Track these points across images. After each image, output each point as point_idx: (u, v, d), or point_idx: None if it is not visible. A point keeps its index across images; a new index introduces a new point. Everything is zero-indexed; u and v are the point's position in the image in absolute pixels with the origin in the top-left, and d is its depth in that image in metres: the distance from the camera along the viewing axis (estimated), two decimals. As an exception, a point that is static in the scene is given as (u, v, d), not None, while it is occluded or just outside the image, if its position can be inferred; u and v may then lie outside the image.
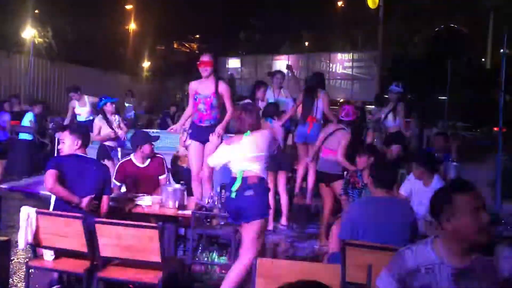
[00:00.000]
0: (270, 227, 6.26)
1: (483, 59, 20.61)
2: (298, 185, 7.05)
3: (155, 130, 11.06)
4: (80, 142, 4.17)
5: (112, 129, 7.21)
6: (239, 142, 3.91)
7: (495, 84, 7.07)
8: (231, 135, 4.47)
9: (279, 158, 6.24)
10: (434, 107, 14.73)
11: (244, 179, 3.82)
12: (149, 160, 5.20)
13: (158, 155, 5.29)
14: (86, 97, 8.79)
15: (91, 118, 8.29)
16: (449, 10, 17.59)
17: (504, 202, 6.92)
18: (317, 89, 6.84)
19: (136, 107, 14.16)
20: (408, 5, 17.66)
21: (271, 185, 6.33)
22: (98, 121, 7.24)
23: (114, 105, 7.33)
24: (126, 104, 13.65)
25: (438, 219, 2.30)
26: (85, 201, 3.95)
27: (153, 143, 5.24)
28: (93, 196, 4.00)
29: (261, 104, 7.10)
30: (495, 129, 9.41)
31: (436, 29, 16.11)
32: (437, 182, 4.73)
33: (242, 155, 3.85)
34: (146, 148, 5.14)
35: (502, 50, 7.17)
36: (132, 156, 5.25)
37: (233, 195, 3.84)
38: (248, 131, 3.91)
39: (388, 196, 3.64)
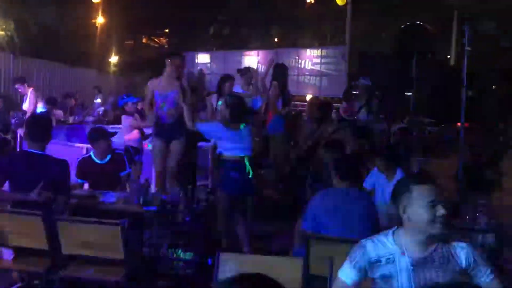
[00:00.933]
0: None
1: (448, 56, 21.08)
2: None
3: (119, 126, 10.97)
4: (29, 137, 4.06)
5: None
6: (236, 131, 4.74)
7: (458, 81, 7.24)
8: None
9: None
10: (401, 103, 14.96)
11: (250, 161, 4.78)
12: (109, 156, 5.14)
13: (119, 151, 5.26)
14: (29, 91, 8.61)
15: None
16: (416, 8, 17.90)
17: (466, 193, 7.10)
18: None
19: (103, 103, 13.93)
20: (375, 2, 17.89)
21: None
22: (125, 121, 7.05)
23: (135, 106, 7.16)
24: (95, 101, 13.41)
25: (397, 208, 2.38)
26: (35, 192, 3.81)
27: (110, 139, 5.19)
28: (41, 187, 3.85)
29: None
30: (458, 124, 9.66)
31: (402, 26, 16.33)
32: (400, 176, 4.82)
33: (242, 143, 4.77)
34: (101, 144, 5.06)
35: (465, 48, 7.35)
36: (91, 153, 5.18)
37: (250, 174, 4.79)
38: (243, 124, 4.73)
39: (351, 188, 3.70)
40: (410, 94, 15.43)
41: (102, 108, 13.05)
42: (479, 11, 15.10)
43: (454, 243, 2.35)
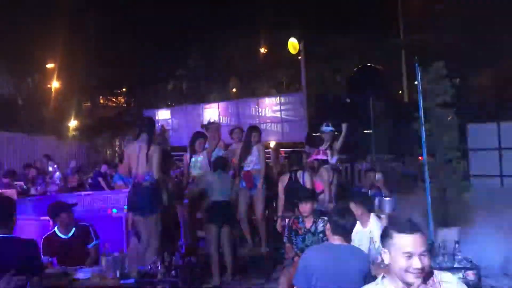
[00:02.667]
0: (216, 281, 6.15)
1: (400, 92, 21.94)
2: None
3: (86, 192, 10.70)
4: None
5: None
6: None
7: (412, 116, 7.45)
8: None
9: (223, 212, 6.28)
10: (361, 142, 15.33)
11: None
12: (73, 229, 4.98)
13: (83, 223, 5.09)
14: None
15: None
16: (365, 49, 18.71)
17: (437, 229, 7.21)
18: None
19: (60, 169, 13.57)
20: (326, 47, 18.57)
21: (213, 239, 6.29)
22: None
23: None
24: (49, 169, 13.07)
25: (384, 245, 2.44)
26: (4, 280, 3.62)
27: (71, 210, 5.03)
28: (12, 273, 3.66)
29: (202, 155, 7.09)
30: (420, 158, 9.86)
31: (355, 69, 17.00)
32: (374, 222, 4.86)
33: None
34: (63, 217, 4.92)
35: (416, 83, 7.63)
36: (56, 228, 5.03)
37: None
38: None
39: (345, 244, 3.68)
40: (370, 132, 15.96)
41: (59, 174, 12.67)
42: (426, 49, 15.86)
43: (442, 280, 2.39)
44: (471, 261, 4.25)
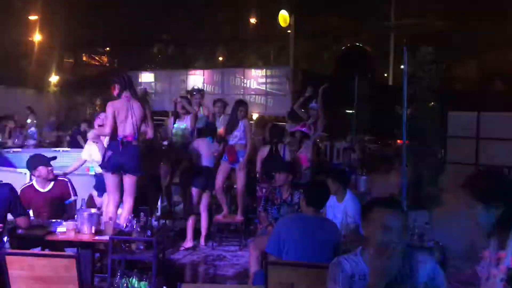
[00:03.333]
0: (189, 244, 6.26)
1: (385, 75, 22.07)
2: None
3: (64, 149, 10.63)
4: None
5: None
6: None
7: (395, 100, 7.56)
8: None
9: (206, 178, 6.37)
10: (342, 122, 15.44)
11: None
12: (52, 183, 4.98)
13: (62, 178, 5.11)
14: None
15: None
16: (355, 28, 18.69)
17: (410, 212, 7.40)
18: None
19: (39, 124, 13.40)
20: (317, 24, 18.48)
21: (195, 201, 6.38)
22: None
23: None
24: (27, 121, 12.91)
25: (364, 220, 2.50)
26: None
27: (51, 164, 5.02)
28: None
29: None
30: (399, 142, 10.04)
31: (343, 48, 17.00)
32: (350, 197, 4.99)
33: None
34: (41, 170, 4.91)
35: (402, 67, 7.70)
36: (33, 181, 5.02)
37: None
38: None
39: (318, 215, 3.78)
40: (352, 112, 16.08)
41: (34, 129, 12.48)
42: (415, 33, 15.93)
43: (412, 258, 2.46)
44: (438, 243, 4.40)
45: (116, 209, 5.21)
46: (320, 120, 7.91)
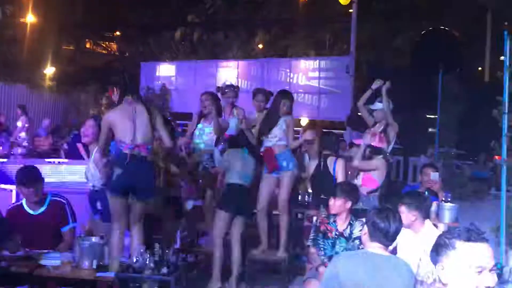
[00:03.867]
0: (216, 286, 6.28)
1: (480, 68, 21.65)
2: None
3: (60, 160, 10.92)
4: None
5: None
6: None
7: (493, 101, 7.34)
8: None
9: (239, 199, 6.37)
10: (421, 130, 15.23)
11: None
12: (45, 205, 5.08)
13: (59, 199, 5.16)
14: None
15: None
16: (438, 8, 18.41)
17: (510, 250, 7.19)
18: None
19: (29, 127, 13.80)
20: (387, 1, 18.31)
21: (224, 233, 6.41)
22: None
23: None
24: (18, 124, 13.33)
25: (435, 264, 2.48)
26: None
27: (43, 182, 5.12)
28: None
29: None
30: (497, 157, 9.75)
31: (423, 32, 16.76)
32: (429, 230, 4.88)
33: None
34: (25, 191, 5.00)
35: (502, 58, 7.51)
36: (23, 200, 5.15)
37: None
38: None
39: (386, 254, 3.73)
40: (434, 117, 15.79)
41: (24, 135, 12.84)
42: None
43: None
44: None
45: (122, 239, 5.28)
46: (390, 128, 7.70)
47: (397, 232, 3.83)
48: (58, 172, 9.44)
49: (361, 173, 7.19)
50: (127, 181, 5.21)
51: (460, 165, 14.48)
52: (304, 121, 16.17)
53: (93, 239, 4.66)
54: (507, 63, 7.00)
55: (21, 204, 5.14)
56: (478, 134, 14.25)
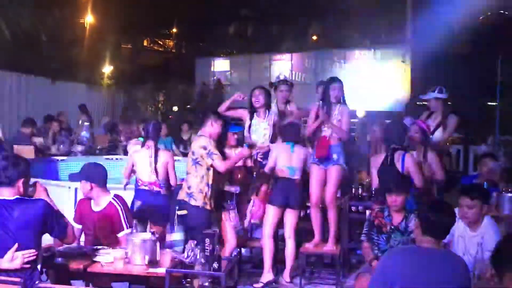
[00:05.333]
0: (268, 278, 6.25)
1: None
2: None
3: (118, 157, 11.09)
4: None
5: None
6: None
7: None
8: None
9: (288, 192, 6.32)
10: (482, 118, 14.76)
11: None
12: (106, 203, 5.11)
13: (116, 203, 5.08)
14: None
15: None
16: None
17: None
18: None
19: (91, 125, 14.07)
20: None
21: (273, 225, 6.36)
22: None
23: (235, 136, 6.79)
24: (81, 123, 13.61)
25: (499, 271, 2.30)
26: (6, 258, 3.82)
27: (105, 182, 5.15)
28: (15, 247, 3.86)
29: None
30: None
31: (482, 17, 16.22)
32: (488, 224, 4.69)
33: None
34: (82, 186, 5.10)
35: None
36: None
37: None
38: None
39: (439, 248, 3.60)
40: (495, 104, 15.30)
41: (86, 133, 13.06)
42: None
43: None
44: None
45: None
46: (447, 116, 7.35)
47: (450, 226, 3.68)
48: (116, 168, 9.61)
49: None
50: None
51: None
52: (360, 113, 15.93)
53: (145, 235, 4.68)
54: None
55: (90, 198, 5.17)
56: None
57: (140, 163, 6.66)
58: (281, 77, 8.01)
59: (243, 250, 7.42)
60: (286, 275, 6.40)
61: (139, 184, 6.64)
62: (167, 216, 6.10)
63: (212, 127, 6.04)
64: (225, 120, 6.42)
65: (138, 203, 6.56)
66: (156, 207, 6.36)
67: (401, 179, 5.49)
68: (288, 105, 7.54)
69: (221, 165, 5.81)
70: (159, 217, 6.25)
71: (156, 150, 6.65)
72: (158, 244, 4.63)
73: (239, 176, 6.58)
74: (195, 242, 4.71)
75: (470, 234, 4.68)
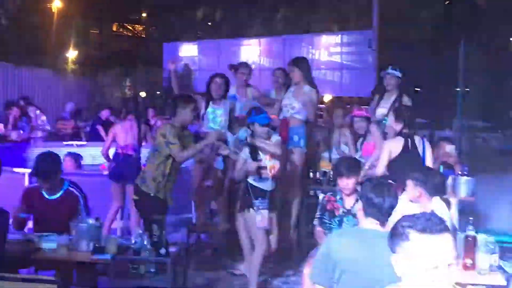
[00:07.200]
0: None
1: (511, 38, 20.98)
2: None
3: (79, 143, 10.94)
4: None
5: None
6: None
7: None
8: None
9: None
10: (446, 103, 14.86)
11: None
12: (61, 191, 4.96)
13: (74, 191, 4.95)
14: None
15: None
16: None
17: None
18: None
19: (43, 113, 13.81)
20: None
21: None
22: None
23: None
24: (31, 115, 13.36)
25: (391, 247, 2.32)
26: None
27: (61, 169, 5.00)
28: None
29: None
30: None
31: (447, 2, 16.30)
32: (438, 207, 4.71)
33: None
34: (42, 179, 4.89)
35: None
36: None
37: None
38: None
39: (381, 230, 3.55)
40: (458, 90, 15.40)
41: (45, 119, 12.79)
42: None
43: None
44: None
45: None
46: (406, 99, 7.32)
47: (392, 207, 3.64)
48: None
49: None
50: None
51: (486, 138, 14.10)
52: (327, 97, 15.92)
53: (90, 221, 4.56)
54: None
55: (39, 186, 5.02)
56: (506, 107, 13.87)
57: (119, 132, 7.62)
58: (242, 62, 8.05)
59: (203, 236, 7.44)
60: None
61: (116, 150, 7.60)
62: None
63: (181, 114, 5.86)
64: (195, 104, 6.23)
65: (112, 165, 7.59)
66: (128, 168, 7.20)
67: (353, 162, 5.45)
68: (249, 89, 7.51)
69: (178, 155, 5.52)
70: (130, 176, 6.73)
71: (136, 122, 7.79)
72: (102, 230, 4.55)
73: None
74: (143, 228, 4.64)
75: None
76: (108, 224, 7.01)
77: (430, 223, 2.20)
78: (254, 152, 5.68)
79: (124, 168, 7.34)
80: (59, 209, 4.91)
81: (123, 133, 7.62)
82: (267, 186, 5.69)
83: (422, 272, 2.17)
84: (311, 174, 7.17)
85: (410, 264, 2.21)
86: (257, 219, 5.59)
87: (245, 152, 5.73)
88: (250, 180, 5.66)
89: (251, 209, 5.65)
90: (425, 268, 2.16)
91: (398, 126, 6.06)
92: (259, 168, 5.65)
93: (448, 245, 2.19)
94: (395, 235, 2.28)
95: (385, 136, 6.60)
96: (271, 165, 5.70)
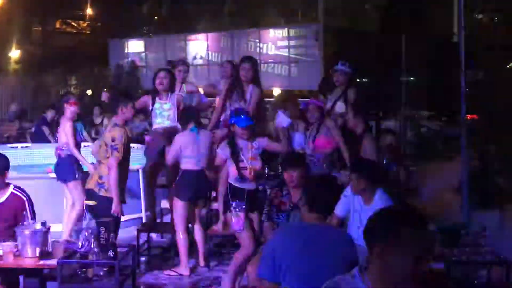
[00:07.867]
0: (186, 271, 6.19)
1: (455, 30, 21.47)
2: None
3: (23, 145, 10.72)
4: None
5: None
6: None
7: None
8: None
9: (196, 186, 6.21)
10: (391, 93, 15.14)
11: None
12: (7, 194, 4.83)
13: (20, 194, 4.80)
14: None
15: None
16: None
17: (474, 211, 7.17)
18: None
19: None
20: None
21: (182, 216, 6.27)
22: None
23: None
24: None
25: (369, 246, 2.30)
26: None
27: (6, 171, 4.89)
28: None
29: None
30: (470, 117, 9.75)
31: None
32: (381, 198, 4.79)
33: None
34: None
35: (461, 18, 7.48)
36: None
37: None
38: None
39: (324, 224, 3.60)
40: (405, 80, 15.72)
41: None
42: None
43: None
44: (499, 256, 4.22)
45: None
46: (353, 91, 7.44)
47: (334, 201, 3.72)
48: (20, 157, 9.32)
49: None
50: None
51: (429, 126, 14.46)
52: (275, 91, 16.02)
53: (36, 226, 4.51)
54: (462, 21, 7.00)
55: None
56: (448, 95, 14.24)
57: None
58: (179, 59, 8.12)
59: (153, 235, 7.42)
60: (201, 260, 6.40)
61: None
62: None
63: (123, 113, 5.89)
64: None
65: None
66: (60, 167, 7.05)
67: (297, 155, 5.54)
68: (184, 85, 7.59)
69: (113, 162, 5.66)
70: (61, 175, 6.93)
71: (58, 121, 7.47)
72: (49, 235, 4.51)
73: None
74: (90, 231, 4.60)
75: (364, 208, 4.78)
76: (70, 228, 6.61)
77: (409, 215, 2.30)
78: (235, 153, 5.63)
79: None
80: (4, 213, 4.81)
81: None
82: (247, 186, 5.57)
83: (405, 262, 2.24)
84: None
85: (392, 257, 2.26)
86: (233, 221, 5.47)
87: (226, 153, 5.69)
88: (231, 181, 5.60)
89: (228, 212, 5.56)
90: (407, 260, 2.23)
91: (360, 126, 6.33)
92: (240, 168, 5.51)
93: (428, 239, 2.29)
94: (379, 225, 2.32)
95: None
96: (251, 166, 5.55)
